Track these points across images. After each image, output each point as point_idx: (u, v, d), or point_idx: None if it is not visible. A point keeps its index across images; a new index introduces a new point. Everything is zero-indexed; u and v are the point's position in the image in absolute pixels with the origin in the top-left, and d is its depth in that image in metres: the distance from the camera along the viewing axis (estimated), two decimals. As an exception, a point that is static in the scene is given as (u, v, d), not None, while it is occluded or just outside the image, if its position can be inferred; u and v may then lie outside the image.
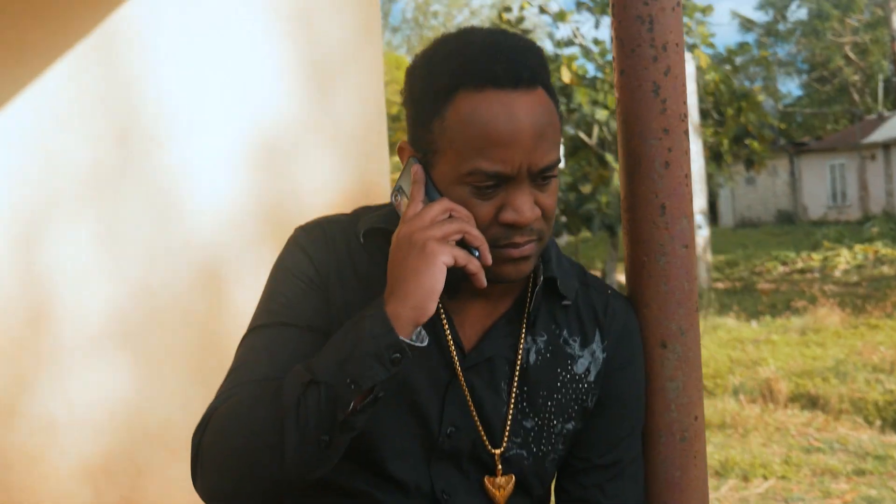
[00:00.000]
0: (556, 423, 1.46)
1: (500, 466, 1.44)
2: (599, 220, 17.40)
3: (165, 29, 3.15)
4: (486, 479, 1.44)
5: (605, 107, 17.13)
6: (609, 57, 18.33)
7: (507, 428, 1.43)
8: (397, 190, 1.38)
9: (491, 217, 1.32)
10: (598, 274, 19.56)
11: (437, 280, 1.25)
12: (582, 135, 18.48)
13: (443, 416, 1.41)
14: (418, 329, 1.27)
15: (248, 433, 1.27)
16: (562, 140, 1.43)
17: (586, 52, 18.06)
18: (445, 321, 1.41)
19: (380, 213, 1.46)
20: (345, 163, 3.24)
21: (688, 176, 1.57)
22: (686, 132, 1.57)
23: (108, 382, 3.13)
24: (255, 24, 3.22)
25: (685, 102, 1.58)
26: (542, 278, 1.44)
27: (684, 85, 1.58)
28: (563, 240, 23.98)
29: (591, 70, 18.26)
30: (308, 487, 1.38)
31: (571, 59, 18.24)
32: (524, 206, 1.31)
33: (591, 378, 1.48)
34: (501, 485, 1.44)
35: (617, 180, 18.43)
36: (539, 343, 1.46)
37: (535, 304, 1.45)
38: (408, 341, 1.25)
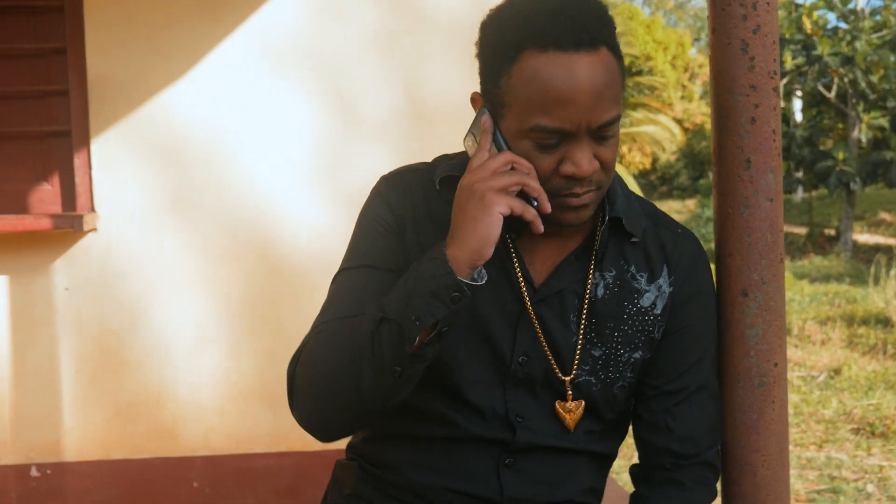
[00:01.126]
0: (623, 353, 1.57)
1: (570, 392, 1.56)
2: (836, 177, 16.74)
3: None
4: (558, 404, 1.56)
5: (848, 58, 16.41)
6: (852, 5, 17.53)
7: (577, 357, 1.55)
8: (469, 136, 1.49)
9: (552, 169, 1.43)
10: (831, 233, 18.85)
11: (493, 227, 1.36)
12: (821, 88, 17.79)
13: (515, 345, 1.54)
14: (479, 269, 1.39)
15: (331, 365, 1.43)
16: (623, 94, 1.52)
17: (828, 2, 17.31)
18: (516, 259, 1.53)
19: (454, 161, 1.58)
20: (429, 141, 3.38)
21: (775, 132, 1.62)
22: (775, 89, 1.62)
23: (204, 386, 3.49)
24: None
25: (775, 60, 1.62)
26: (607, 218, 1.54)
27: (775, 43, 1.63)
28: (799, 196, 23.17)
29: (832, 20, 17.46)
30: (391, 416, 1.54)
31: (813, 7, 17.54)
32: (583, 160, 1.41)
33: (658, 311, 1.58)
34: (571, 409, 1.56)
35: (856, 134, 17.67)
36: (607, 278, 1.57)
37: (603, 241, 1.55)
38: (466, 281, 1.36)
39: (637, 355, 1.58)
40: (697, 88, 29.07)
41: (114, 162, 3.41)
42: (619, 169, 16.56)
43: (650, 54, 24.38)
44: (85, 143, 3.37)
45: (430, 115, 3.44)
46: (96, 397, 3.44)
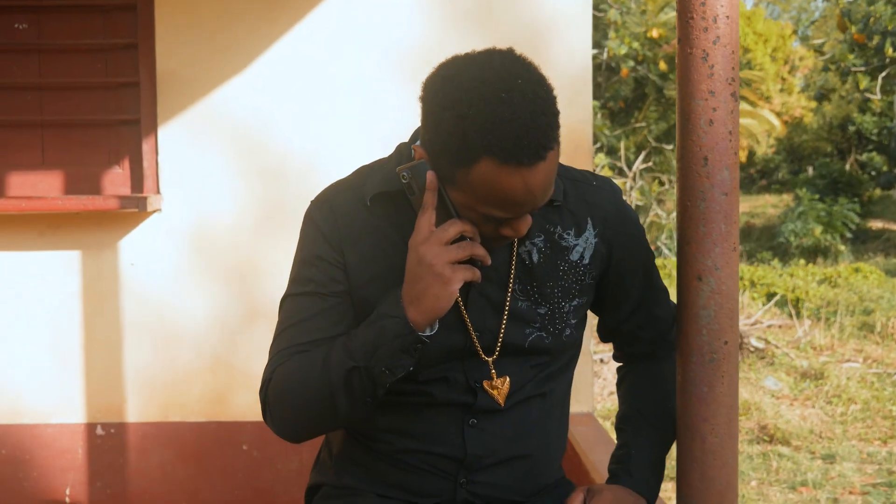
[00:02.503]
0: (563, 304, 1.79)
1: (493, 370, 1.78)
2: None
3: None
4: (485, 383, 1.79)
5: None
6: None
7: (505, 324, 1.78)
8: (410, 176, 1.61)
9: (494, 231, 1.63)
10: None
11: (450, 300, 1.58)
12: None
13: (465, 326, 1.75)
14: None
15: (305, 400, 1.68)
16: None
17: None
18: None
19: (381, 174, 1.75)
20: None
21: (731, 132, 1.79)
22: (733, 94, 1.79)
23: (254, 357, 3.74)
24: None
25: (734, 68, 1.80)
26: None
27: (734, 53, 1.80)
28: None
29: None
30: None
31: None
32: (524, 228, 1.62)
33: (586, 261, 1.80)
34: (497, 385, 1.78)
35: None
36: (538, 243, 1.77)
37: None
38: (425, 335, 1.60)
39: (575, 303, 1.81)
40: (798, 81, 28.52)
41: (178, 148, 3.67)
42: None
43: (749, 46, 24.02)
44: (153, 131, 3.64)
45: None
46: (156, 364, 3.72)
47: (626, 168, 14.57)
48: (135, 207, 3.47)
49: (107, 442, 3.72)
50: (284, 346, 1.72)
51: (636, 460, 1.85)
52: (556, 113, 1.55)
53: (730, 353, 1.83)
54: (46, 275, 3.71)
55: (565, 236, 1.79)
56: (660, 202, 16.51)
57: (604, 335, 1.98)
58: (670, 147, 16.86)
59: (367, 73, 3.68)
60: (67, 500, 3.73)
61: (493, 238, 1.64)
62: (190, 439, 3.71)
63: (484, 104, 1.47)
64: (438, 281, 1.57)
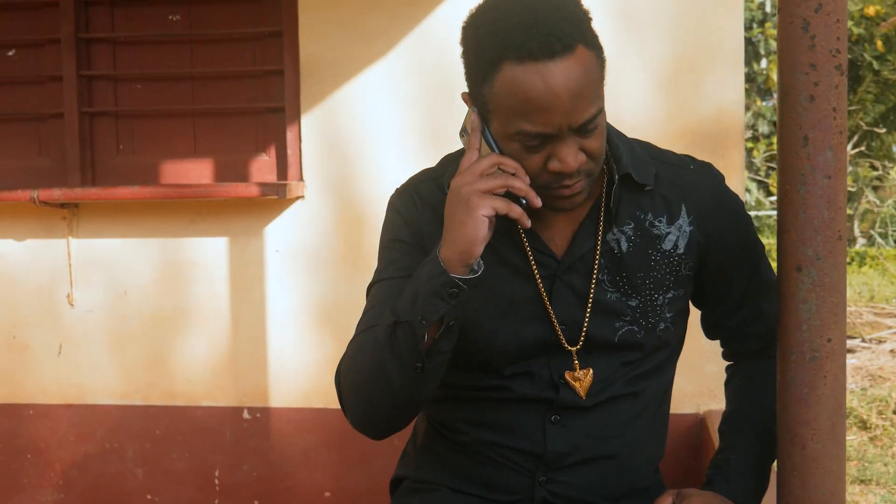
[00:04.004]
0: (657, 297, 1.68)
1: (576, 361, 1.68)
2: None
3: None
4: (567, 374, 1.69)
5: None
6: None
7: (587, 319, 1.68)
8: (463, 131, 1.59)
9: (540, 166, 1.52)
10: None
11: (478, 229, 1.48)
12: None
13: (549, 319, 1.67)
14: (478, 261, 1.51)
15: (363, 372, 1.61)
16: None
17: None
18: (526, 239, 1.66)
19: (457, 162, 1.67)
20: (700, 91, 3.39)
21: (836, 109, 1.64)
22: (837, 67, 1.63)
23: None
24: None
25: (839, 38, 1.64)
26: (616, 177, 1.63)
27: (839, 22, 1.64)
28: None
29: None
30: (447, 384, 1.71)
31: None
32: (568, 156, 1.50)
33: (681, 251, 1.68)
34: (580, 377, 1.68)
35: None
36: (627, 231, 1.66)
37: (616, 199, 1.64)
38: (460, 277, 1.49)
39: (670, 295, 1.69)
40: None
41: (322, 136, 3.70)
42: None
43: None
44: (296, 118, 3.68)
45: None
46: (300, 351, 3.77)
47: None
48: (274, 194, 3.51)
49: (253, 426, 3.80)
50: (361, 329, 1.69)
51: (736, 465, 1.73)
52: (579, 15, 1.49)
53: (833, 352, 1.67)
54: (197, 261, 3.81)
55: (657, 224, 1.68)
56: (876, 189, 15.83)
57: (708, 331, 1.86)
58: (884, 131, 16.04)
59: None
60: (216, 481, 3.83)
61: (545, 181, 1.54)
62: (333, 426, 3.73)
63: (496, 9, 1.48)
64: (465, 208, 1.48)
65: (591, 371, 1.68)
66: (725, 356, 1.92)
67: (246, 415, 3.80)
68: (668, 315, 1.71)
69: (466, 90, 1.60)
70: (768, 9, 15.19)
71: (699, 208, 1.70)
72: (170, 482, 3.85)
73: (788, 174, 1.67)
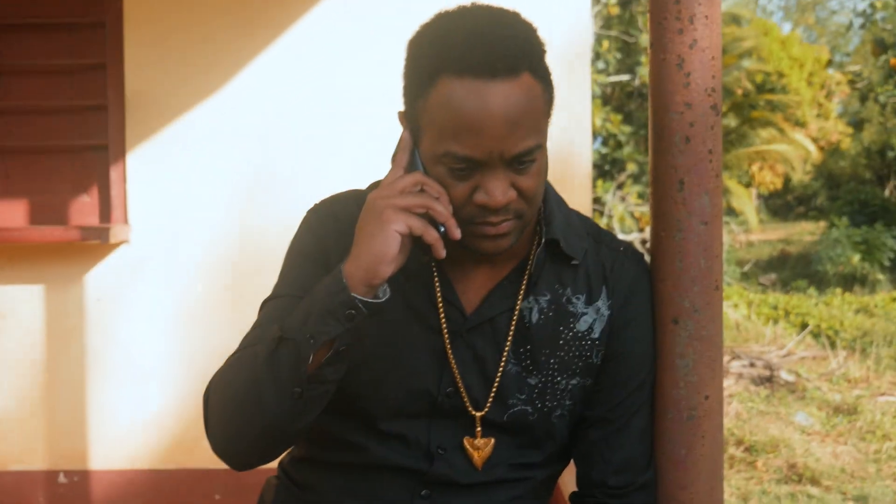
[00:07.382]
0: (560, 380, 1.51)
1: (479, 428, 1.50)
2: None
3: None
4: (466, 440, 1.51)
5: None
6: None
7: (495, 387, 1.51)
8: (394, 154, 1.44)
9: (466, 196, 1.37)
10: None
11: (388, 245, 1.31)
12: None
13: (442, 377, 1.49)
14: (384, 287, 1.35)
15: (234, 389, 1.39)
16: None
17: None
18: (439, 286, 1.48)
19: None
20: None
21: (712, 152, 1.54)
22: (713, 107, 1.54)
23: None
24: None
25: (714, 77, 1.54)
26: (542, 240, 1.49)
27: (714, 59, 1.55)
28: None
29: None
30: (314, 440, 1.53)
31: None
32: (496, 190, 1.35)
33: (595, 335, 1.52)
34: (479, 446, 1.51)
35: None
36: (541, 302, 1.51)
37: (538, 264, 1.49)
38: (362, 299, 1.32)
39: (574, 381, 1.52)
40: (835, 107, 28.16)
41: (149, 175, 3.46)
42: (743, 192, 16.03)
43: (784, 71, 23.69)
44: (121, 156, 3.44)
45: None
46: (123, 407, 3.50)
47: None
48: (96, 239, 3.25)
49: (70, 491, 3.49)
50: (240, 347, 1.49)
51: None
52: (531, 41, 1.37)
53: (711, 410, 1.57)
54: (7, 311, 3.50)
55: (574, 300, 1.53)
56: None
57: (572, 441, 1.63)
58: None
59: (339, 93, 3.48)
60: (27, 552, 3.50)
61: (468, 214, 1.39)
62: (159, 489, 3.47)
63: (443, 22, 1.38)
64: (377, 221, 1.33)
65: (493, 441, 1.52)
66: (572, 498, 1.62)
67: (62, 479, 3.49)
68: (567, 402, 1.53)
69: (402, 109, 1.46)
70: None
71: (618, 294, 1.54)
72: (-27, 556, 3.51)
73: (664, 220, 1.56)
